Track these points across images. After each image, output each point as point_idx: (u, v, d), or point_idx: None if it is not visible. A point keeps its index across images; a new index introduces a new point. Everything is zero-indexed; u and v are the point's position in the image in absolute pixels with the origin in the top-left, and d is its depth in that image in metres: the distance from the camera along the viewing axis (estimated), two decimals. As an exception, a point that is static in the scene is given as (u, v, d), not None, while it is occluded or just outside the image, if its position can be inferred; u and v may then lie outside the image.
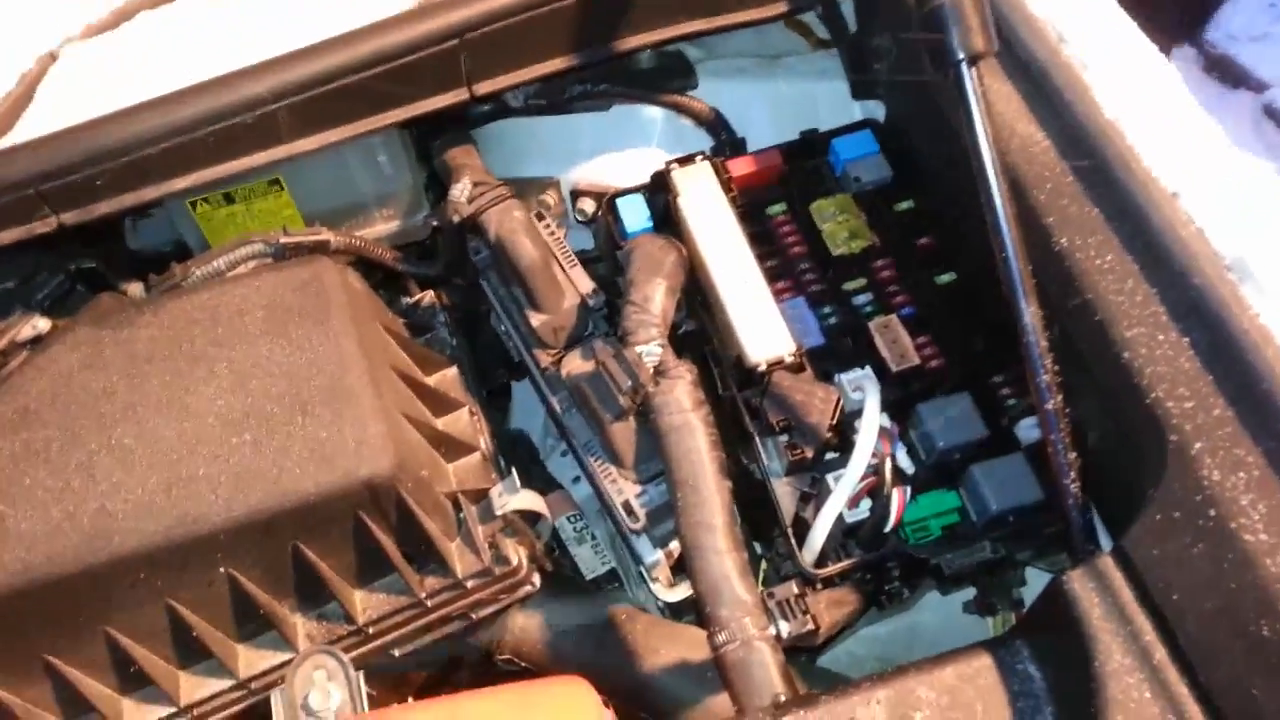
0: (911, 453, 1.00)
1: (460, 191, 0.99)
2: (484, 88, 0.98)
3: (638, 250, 0.97)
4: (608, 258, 1.16)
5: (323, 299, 0.95)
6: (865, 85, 1.16)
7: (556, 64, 1.00)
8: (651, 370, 0.90)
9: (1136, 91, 0.82)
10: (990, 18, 0.74)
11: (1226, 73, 2.86)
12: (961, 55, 0.74)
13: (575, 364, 0.97)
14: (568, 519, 1.21)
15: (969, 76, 0.75)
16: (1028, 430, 0.99)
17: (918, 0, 0.75)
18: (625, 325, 0.92)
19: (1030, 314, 0.76)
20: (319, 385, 0.90)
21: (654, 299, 0.93)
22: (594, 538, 1.23)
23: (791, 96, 1.22)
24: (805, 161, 1.16)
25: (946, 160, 1.07)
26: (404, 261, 1.07)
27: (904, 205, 1.11)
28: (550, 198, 1.24)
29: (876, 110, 1.18)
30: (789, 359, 0.98)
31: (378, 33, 0.92)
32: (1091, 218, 0.79)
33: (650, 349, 0.91)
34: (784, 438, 0.96)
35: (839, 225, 1.09)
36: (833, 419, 0.95)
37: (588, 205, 1.20)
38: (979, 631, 1.20)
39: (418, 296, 1.16)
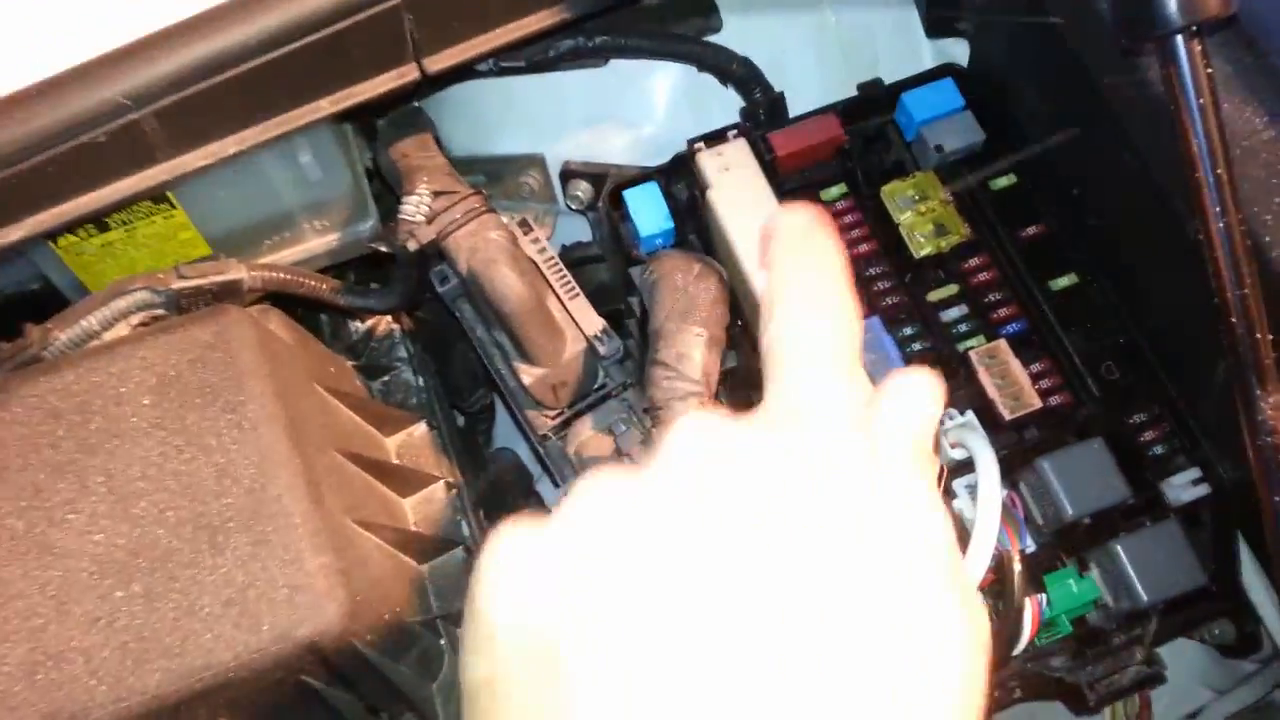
0: (1027, 519, 0.77)
1: (415, 207, 0.73)
2: (439, 62, 0.70)
3: (662, 282, 0.71)
4: (614, 265, 0.90)
5: (233, 370, 0.69)
6: (943, 17, 0.88)
7: (535, 22, 0.72)
8: (693, 459, 0.65)
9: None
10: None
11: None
12: (1181, 21, 0.47)
13: (585, 439, 0.72)
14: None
15: (1186, 55, 0.48)
16: (1180, 490, 0.76)
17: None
18: (654, 394, 0.67)
19: (1272, 405, 0.51)
20: (234, 502, 0.65)
21: (691, 356, 0.67)
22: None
23: (842, 33, 0.94)
24: (865, 122, 0.88)
25: (1062, 116, 0.81)
26: (347, 292, 0.80)
27: (1003, 182, 0.85)
28: (533, 180, 0.97)
29: (958, 50, 0.90)
30: (870, 416, 0.73)
31: (280, -6, 0.64)
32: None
33: (689, 429, 0.65)
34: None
35: (920, 217, 0.83)
36: (934, 498, 0.71)
37: (583, 189, 0.93)
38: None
39: (371, 323, 0.90)
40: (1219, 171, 0.49)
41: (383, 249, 0.78)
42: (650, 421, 0.68)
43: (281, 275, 0.76)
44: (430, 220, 0.72)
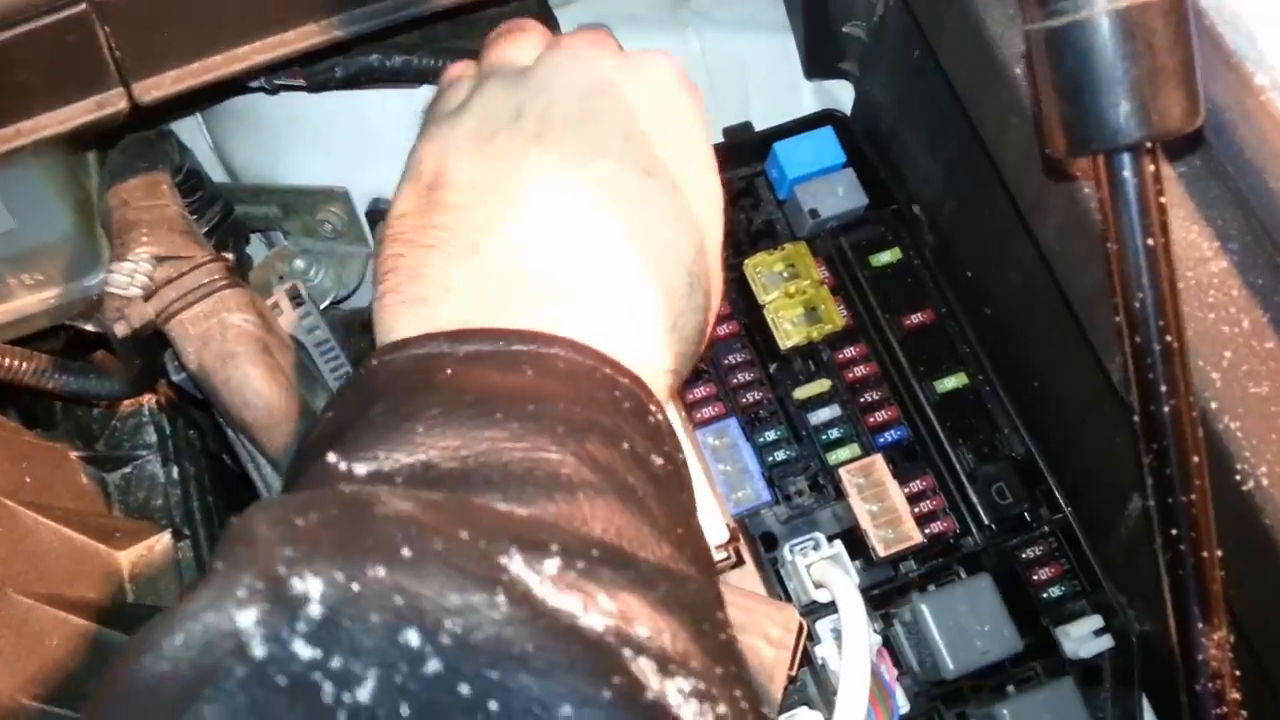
0: (902, 669, 0.64)
1: (129, 277, 0.55)
2: (156, 88, 0.52)
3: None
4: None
5: None
6: (824, 56, 0.74)
7: (296, 40, 0.55)
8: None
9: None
10: (1196, 59, 0.34)
11: None
12: (1134, 135, 0.34)
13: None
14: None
15: (1135, 179, 0.34)
16: (1078, 642, 0.64)
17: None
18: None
19: (1216, 643, 0.38)
20: None
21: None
22: None
23: (709, 63, 0.79)
24: (731, 173, 0.74)
25: (958, 183, 0.68)
26: (58, 371, 0.62)
27: (885, 258, 0.72)
28: (335, 217, 0.79)
29: (841, 93, 0.76)
30: (718, 556, 0.59)
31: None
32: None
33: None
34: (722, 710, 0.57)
35: (789, 299, 0.69)
36: (793, 668, 0.57)
37: (393, 235, 0.76)
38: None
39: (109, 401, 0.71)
40: (1169, 339, 0.35)
41: (89, 328, 0.60)
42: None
43: (-44, 355, 0.57)
44: (149, 295, 0.54)
